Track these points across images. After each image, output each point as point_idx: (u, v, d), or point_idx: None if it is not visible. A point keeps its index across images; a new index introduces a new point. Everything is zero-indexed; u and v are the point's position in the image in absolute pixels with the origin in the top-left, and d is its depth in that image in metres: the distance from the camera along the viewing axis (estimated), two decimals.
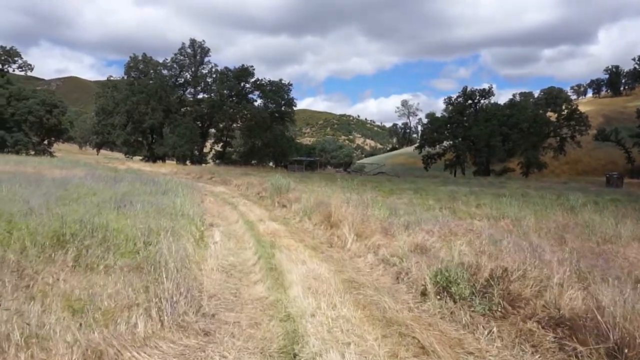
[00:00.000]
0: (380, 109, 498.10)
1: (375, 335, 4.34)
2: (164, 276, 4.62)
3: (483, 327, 4.50)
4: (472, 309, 4.92)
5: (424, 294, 5.60)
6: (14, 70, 66.36)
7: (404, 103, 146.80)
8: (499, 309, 4.79)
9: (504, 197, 17.35)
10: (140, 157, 68.62)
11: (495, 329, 4.36)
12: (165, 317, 4.14)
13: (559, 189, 27.67)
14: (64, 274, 4.67)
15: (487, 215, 12.69)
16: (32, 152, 57.25)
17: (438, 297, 5.33)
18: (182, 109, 64.84)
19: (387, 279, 6.54)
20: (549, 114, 69.13)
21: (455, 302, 5.13)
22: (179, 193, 13.66)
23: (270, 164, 65.34)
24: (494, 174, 56.78)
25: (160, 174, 29.77)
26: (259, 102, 65.75)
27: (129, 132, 63.07)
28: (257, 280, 6.31)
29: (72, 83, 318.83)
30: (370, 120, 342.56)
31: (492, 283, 5.08)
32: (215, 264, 6.88)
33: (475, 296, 5.06)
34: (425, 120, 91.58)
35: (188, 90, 67.03)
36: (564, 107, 66.38)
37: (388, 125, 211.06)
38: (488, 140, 58.10)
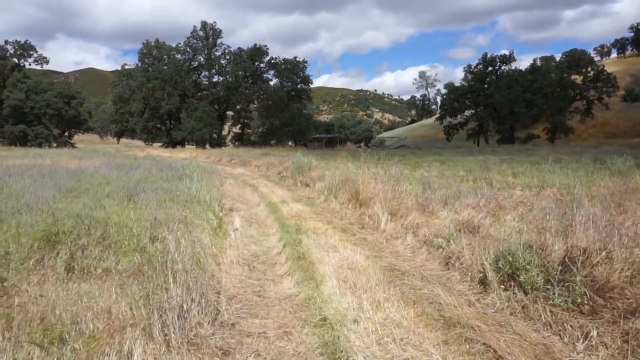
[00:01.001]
0: (397, 82, 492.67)
1: (436, 342, 3.45)
2: (171, 281, 3.77)
3: (572, 327, 3.53)
4: (550, 301, 3.95)
5: (483, 282, 4.66)
6: (30, 65, 66.71)
7: (422, 74, 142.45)
8: (586, 302, 3.82)
9: (540, 164, 16.23)
10: (160, 144, 68.40)
11: (594, 332, 3.36)
12: (172, 335, 3.26)
13: (593, 152, 26.17)
14: (50, 285, 3.84)
15: (527, 184, 11.72)
16: (54, 145, 57.66)
17: (502, 286, 4.40)
18: (198, 93, 64.18)
19: (434, 265, 5.61)
20: (573, 76, 66.11)
21: (526, 293, 4.17)
22: (197, 178, 12.91)
23: (290, 143, 64.38)
24: (519, 142, 54.76)
25: (180, 159, 29.17)
26: (274, 81, 64.77)
27: (146, 119, 62.93)
28: (284, 273, 5.47)
29: (91, 74, 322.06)
30: (388, 94, 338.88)
31: (572, 268, 4.10)
32: (235, 255, 6.06)
33: (553, 285, 4.08)
34: (444, 91, 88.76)
35: (203, 74, 66.20)
36: (589, 69, 63.46)
37: (406, 98, 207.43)
38: (512, 107, 55.84)
